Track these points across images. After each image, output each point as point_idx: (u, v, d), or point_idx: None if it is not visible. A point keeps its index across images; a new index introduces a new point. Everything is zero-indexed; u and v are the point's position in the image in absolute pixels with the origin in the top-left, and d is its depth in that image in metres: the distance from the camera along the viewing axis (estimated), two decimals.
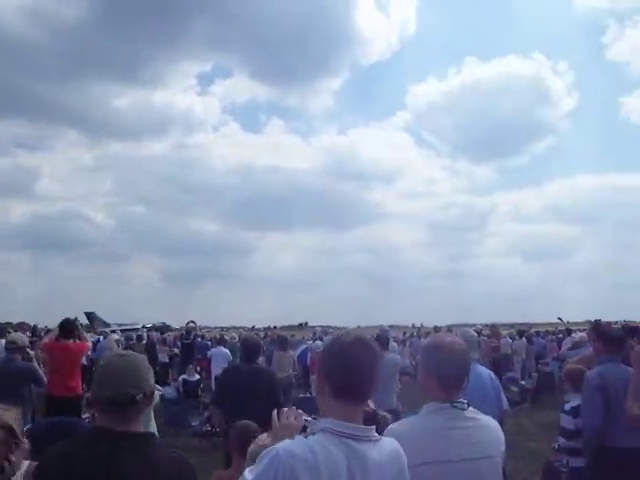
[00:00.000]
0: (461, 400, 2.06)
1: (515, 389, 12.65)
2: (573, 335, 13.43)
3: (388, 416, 2.81)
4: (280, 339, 11.68)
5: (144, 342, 16.28)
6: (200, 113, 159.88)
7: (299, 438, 1.65)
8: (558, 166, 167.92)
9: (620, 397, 3.72)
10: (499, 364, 12.52)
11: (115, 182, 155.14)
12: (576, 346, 9.49)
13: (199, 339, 16.55)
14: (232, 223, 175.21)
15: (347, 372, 1.63)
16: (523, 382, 12.71)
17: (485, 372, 4.50)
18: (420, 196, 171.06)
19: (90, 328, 33.09)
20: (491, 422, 2.18)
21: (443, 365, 2.08)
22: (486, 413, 4.32)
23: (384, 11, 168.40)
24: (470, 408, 2.08)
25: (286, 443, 1.57)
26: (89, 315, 48.74)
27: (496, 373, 12.64)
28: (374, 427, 1.66)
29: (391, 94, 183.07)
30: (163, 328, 35.83)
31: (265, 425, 1.76)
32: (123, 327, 38.29)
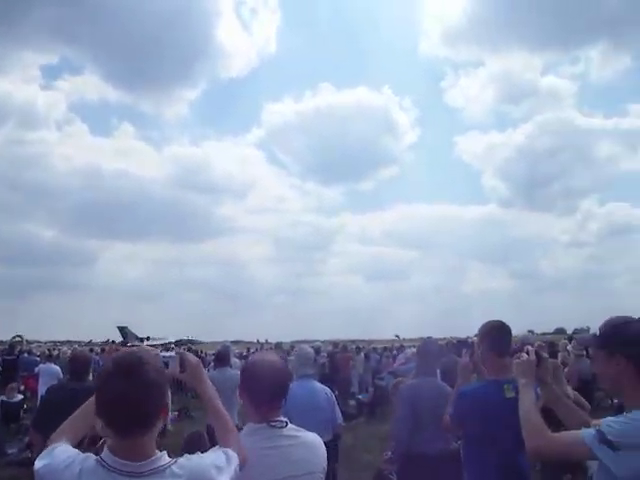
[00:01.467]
0: (279, 419, 2.06)
1: (353, 403, 13.19)
2: (406, 351, 14.36)
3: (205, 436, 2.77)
4: None
5: None
6: (42, 108, 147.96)
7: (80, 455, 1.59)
8: (400, 194, 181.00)
9: (427, 408, 4.03)
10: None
11: None
12: (408, 361, 10.12)
13: (25, 354, 15.10)
14: (72, 229, 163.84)
15: (107, 406, 1.51)
16: (360, 396, 13.27)
17: (319, 388, 4.63)
18: (269, 213, 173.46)
19: (124, 343, 29.95)
20: (314, 438, 2.17)
21: (255, 386, 2.07)
22: (320, 428, 4.44)
23: (246, 28, 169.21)
24: (290, 425, 2.08)
25: (63, 452, 1.61)
26: (122, 330, 46.47)
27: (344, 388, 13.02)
28: (152, 458, 1.53)
29: (247, 110, 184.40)
30: (190, 343, 34.64)
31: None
32: (153, 342, 36.60)
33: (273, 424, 2.03)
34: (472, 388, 3.26)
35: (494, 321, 3.20)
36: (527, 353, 2.32)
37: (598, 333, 2.04)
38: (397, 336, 28.36)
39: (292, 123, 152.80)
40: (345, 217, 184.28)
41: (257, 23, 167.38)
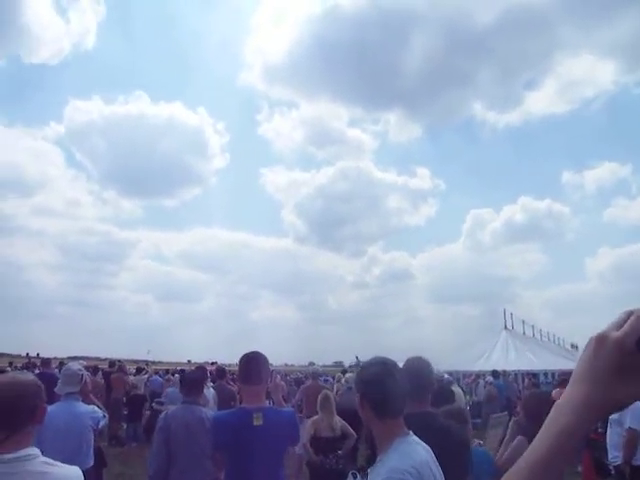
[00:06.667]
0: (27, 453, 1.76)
1: (125, 427, 12.43)
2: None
3: None
4: None
5: None
6: None
7: None
8: (201, 216, 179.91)
9: (180, 436, 4.00)
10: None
11: None
12: None
13: None
14: None
15: None
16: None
17: (83, 409, 4.25)
18: (59, 216, 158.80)
19: None
20: (69, 474, 1.88)
21: None
22: (80, 452, 4.10)
23: (62, 15, 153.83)
24: (40, 459, 1.78)
25: None
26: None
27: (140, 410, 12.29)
28: None
29: (49, 101, 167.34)
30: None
31: None
32: None
33: (18, 457, 1.71)
34: (225, 414, 3.35)
35: (247, 352, 3.27)
36: None
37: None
38: (189, 361, 27.91)
39: (99, 126, 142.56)
40: (142, 232, 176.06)
41: (76, 12, 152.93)
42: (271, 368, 3.46)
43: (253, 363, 3.22)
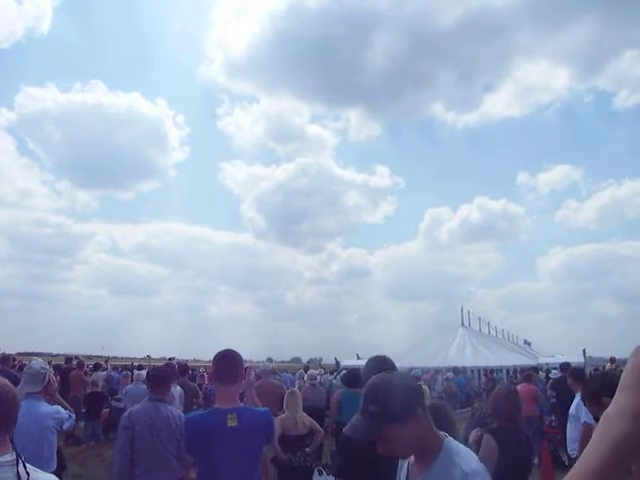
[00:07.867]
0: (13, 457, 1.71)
1: (83, 425, 12.14)
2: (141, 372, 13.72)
3: None
4: None
5: None
6: None
7: None
8: (158, 209, 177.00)
9: (145, 434, 3.95)
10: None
11: None
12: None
13: None
14: None
15: None
16: None
17: (45, 410, 4.10)
18: (10, 207, 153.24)
19: None
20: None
21: None
22: (43, 454, 3.93)
23: None
24: (28, 464, 1.73)
25: None
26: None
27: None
28: None
29: (0, 87, 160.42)
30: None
31: None
32: None
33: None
34: (198, 415, 3.26)
35: (222, 350, 3.19)
36: None
37: (372, 408, 1.68)
38: (148, 356, 27.46)
39: (53, 114, 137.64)
40: (97, 225, 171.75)
41: None
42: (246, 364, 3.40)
43: (227, 362, 3.15)
